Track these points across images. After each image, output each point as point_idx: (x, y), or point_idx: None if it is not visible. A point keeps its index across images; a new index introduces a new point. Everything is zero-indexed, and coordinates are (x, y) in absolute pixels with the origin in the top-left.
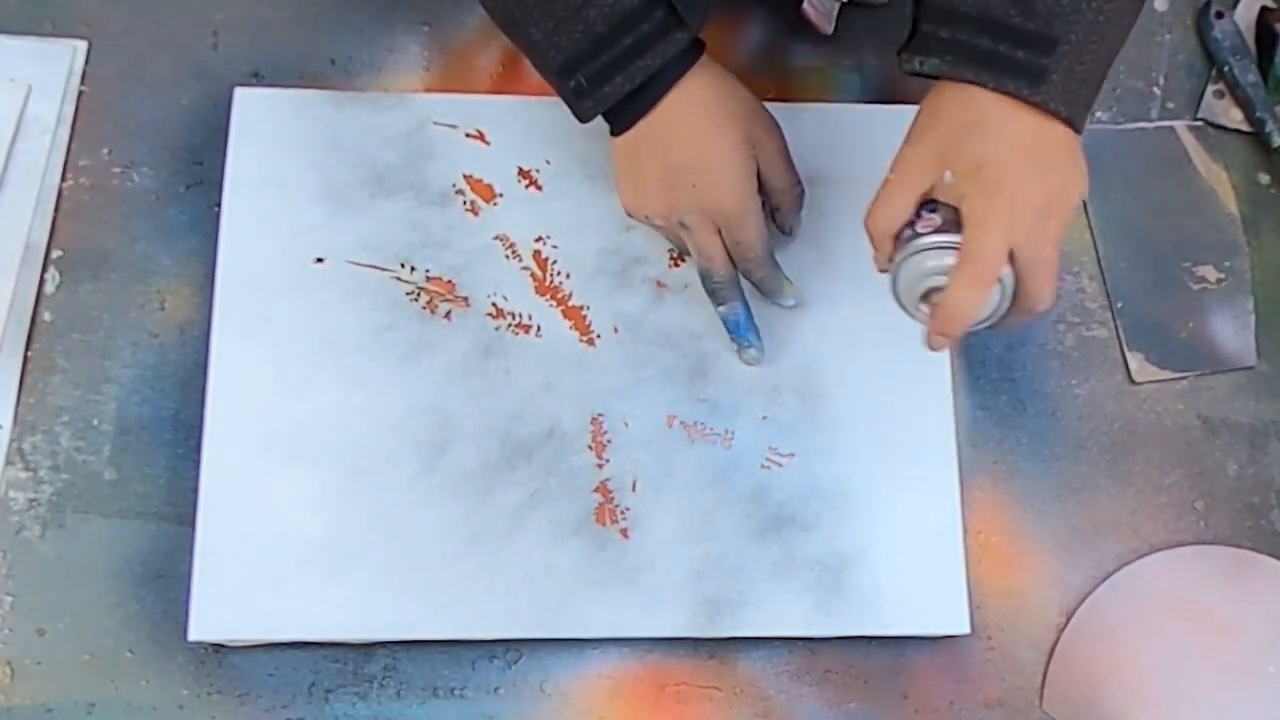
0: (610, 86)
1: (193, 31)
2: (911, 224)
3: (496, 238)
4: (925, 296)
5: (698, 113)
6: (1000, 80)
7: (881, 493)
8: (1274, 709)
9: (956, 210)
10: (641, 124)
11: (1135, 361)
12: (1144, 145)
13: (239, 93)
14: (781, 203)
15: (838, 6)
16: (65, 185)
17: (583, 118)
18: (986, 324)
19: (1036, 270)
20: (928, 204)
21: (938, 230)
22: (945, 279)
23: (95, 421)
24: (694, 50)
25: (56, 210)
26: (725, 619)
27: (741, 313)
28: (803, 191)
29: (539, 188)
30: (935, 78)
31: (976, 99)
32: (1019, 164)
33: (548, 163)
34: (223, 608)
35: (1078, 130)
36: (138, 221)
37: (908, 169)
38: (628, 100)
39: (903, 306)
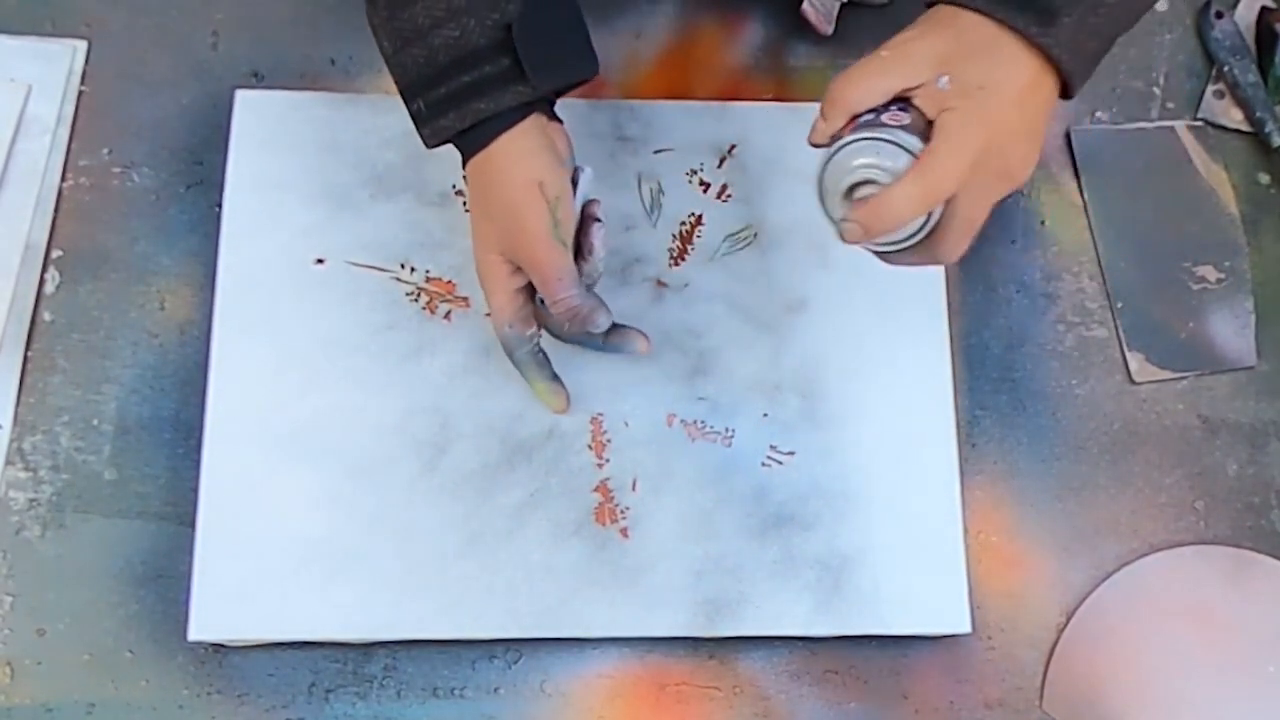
0: (445, 120)
1: (193, 31)
2: (877, 111)
3: None
4: (851, 189)
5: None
6: (1012, 14)
7: (882, 491)
8: (1274, 709)
9: (927, 123)
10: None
11: (1135, 361)
12: (1144, 145)
13: (240, 95)
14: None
15: (838, 6)
16: (65, 185)
17: (426, 144)
18: (892, 246)
19: (966, 223)
20: (898, 101)
21: (904, 129)
22: (886, 179)
23: (95, 421)
24: (530, 109)
25: (56, 210)
26: (725, 619)
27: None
28: (578, 309)
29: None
30: (955, 4)
31: (987, 27)
32: (1014, 110)
33: None
34: (223, 608)
35: (1071, 90)
36: (138, 221)
37: (904, 56)
38: (459, 138)
39: (823, 187)
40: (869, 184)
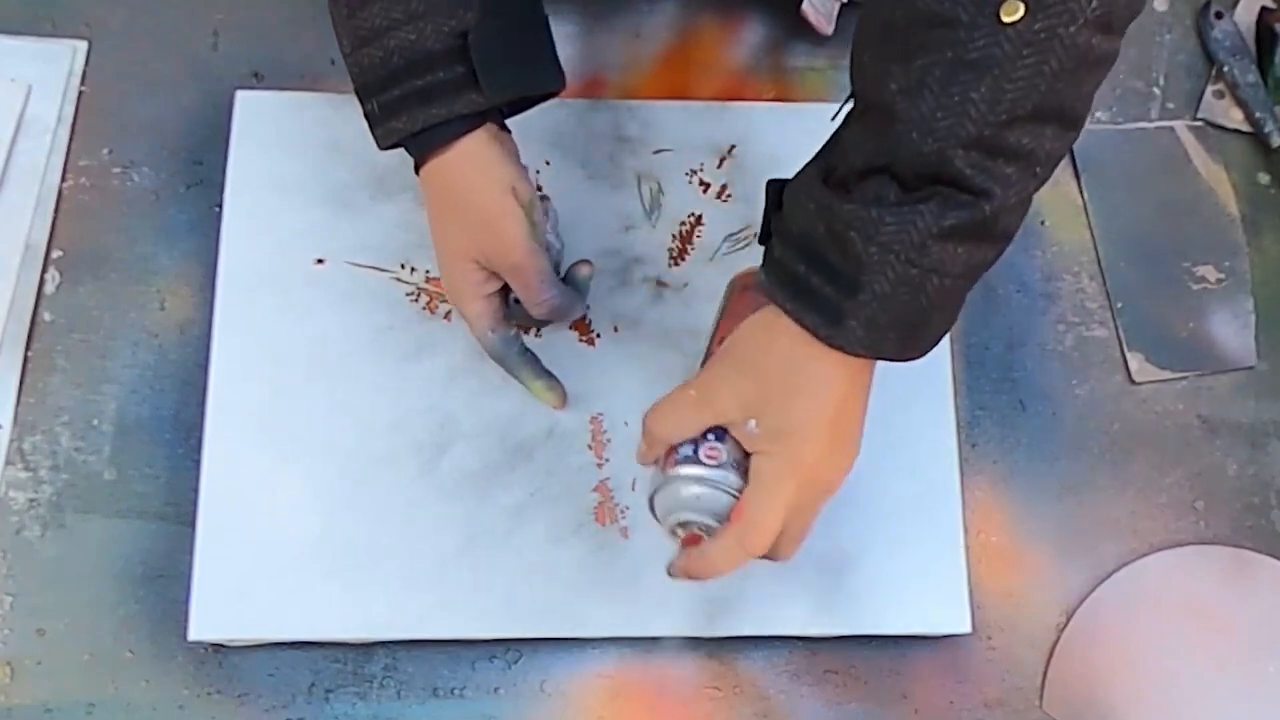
0: (397, 122)
1: (193, 31)
2: (695, 443)
3: None
4: (679, 525)
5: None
6: (803, 312)
7: (883, 491)
8: (1274, 709)
9: (744, 454)
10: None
11: (1135, 361)
12: (1144, 145)
13: (240, 96)
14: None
15: (838, 6)
16: (65, 185)
17: (379, 145)
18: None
19: (793, 537)
20: (714, 430)
21: (721, 466)
22: (709, 519)
23: (95, 421)
24: (483, 119)
25: (56, 210)
26: (725, 618)
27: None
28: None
29: (539, 188)
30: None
31: (787, 334)
32: (823, 441)
33: (547, 163)
34: (223, 608)
35: (899, 359)
36: (137, 221)
37: (712, 395)
38: (411, 141)
39: (654, 515)
40: (693, 523)
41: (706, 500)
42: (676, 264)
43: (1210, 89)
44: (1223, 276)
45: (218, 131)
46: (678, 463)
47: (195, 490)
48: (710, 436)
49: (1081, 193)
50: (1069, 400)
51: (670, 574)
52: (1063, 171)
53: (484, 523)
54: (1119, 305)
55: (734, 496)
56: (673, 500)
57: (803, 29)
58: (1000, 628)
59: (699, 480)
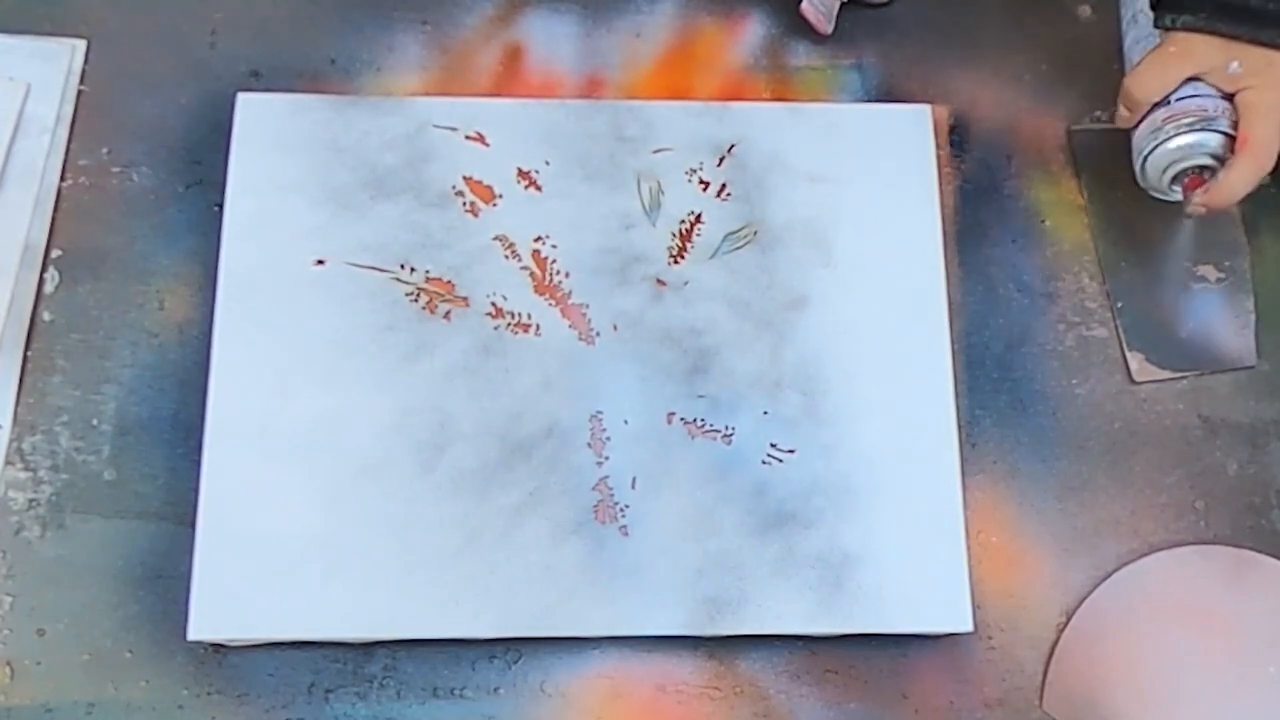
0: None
1: (191, 31)
2: (1168, 100)
3: (496, 238)
4: (1178, 174)
5: None
6: (1258, 32)
7: (883, 489)
8: (1274, 709)
9: (1225, 98)
10: None
11: (1135, 361)
12: None
13: (241, 98)
14: None
15: (838, 6)
16: (64, 185)
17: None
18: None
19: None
20: (1187, 82)
21: (1207, 114)
22: (1211, 161)
23: (95, 421)
24: None
25: (56, 210)
26: (726, 617)
27: None
28: None
29: (538, 188)
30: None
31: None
32: None
33: (547, 163)
34: (222, 608)
35: None
36: (137, 221)
37: (1189, 49)
38: None
39: (1145, 171)
40: (1191, 167)
41: (1204, 142)
42: (676, 262)
43: None
44: (1223, 276)
45: (217, 131)
46: (1165, 120)
47: (195, 490)
48: (1185, 89)
49: (1081, 193)
50: (1069, 400)
51: (1187, 214)
52: (1062, 171)
53: (483, 522)
54: (1119, 305)
55: (1226, 134)
56: (1171, 152)
57: (803, 28)
58: (1000, 628)
59: (1192, 127)
